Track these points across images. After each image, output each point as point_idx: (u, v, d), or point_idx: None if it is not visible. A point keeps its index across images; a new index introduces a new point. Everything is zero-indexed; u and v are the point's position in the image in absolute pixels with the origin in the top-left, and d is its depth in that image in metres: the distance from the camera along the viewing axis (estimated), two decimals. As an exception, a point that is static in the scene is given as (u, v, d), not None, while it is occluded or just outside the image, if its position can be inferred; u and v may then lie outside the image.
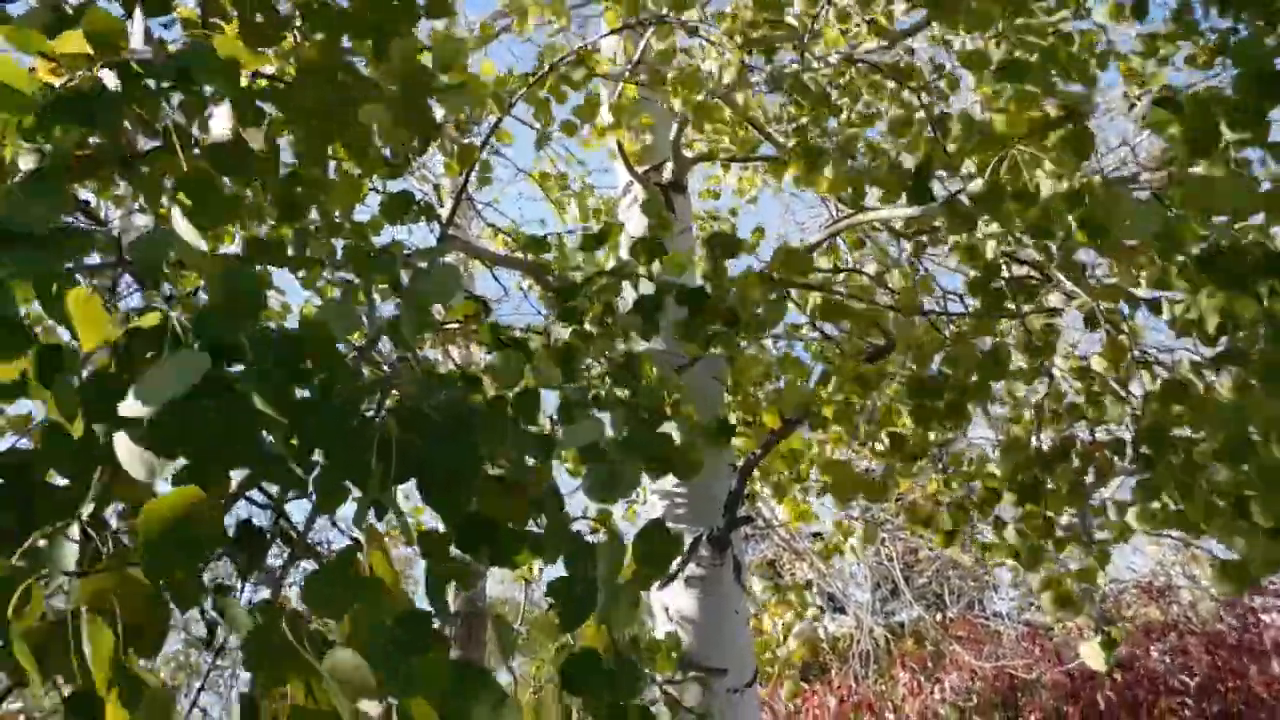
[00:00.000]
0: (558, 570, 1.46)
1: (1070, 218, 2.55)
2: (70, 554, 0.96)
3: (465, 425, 1.14)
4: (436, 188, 3.74)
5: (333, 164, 3.16)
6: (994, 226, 3.13)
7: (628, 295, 2.82)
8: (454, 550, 1.39)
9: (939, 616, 9.30)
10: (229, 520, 1.26)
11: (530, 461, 1.41)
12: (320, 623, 0.99)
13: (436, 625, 1.06)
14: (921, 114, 3.27)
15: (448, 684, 0.91)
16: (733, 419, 3.39)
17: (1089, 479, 3.43)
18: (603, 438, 1.27)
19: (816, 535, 8.21)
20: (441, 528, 1.49)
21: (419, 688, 0.89)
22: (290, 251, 2.21)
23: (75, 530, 1.00)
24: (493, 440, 1.13)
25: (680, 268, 3.09)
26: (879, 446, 3.27)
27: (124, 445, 0.97)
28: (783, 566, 8.77)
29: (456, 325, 2.68)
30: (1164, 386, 2.66)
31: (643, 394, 1.86)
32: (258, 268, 2.20)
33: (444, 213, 3.06)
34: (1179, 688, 6.53)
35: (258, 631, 0.94)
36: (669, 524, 2.58)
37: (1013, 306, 3.28)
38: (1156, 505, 2.83)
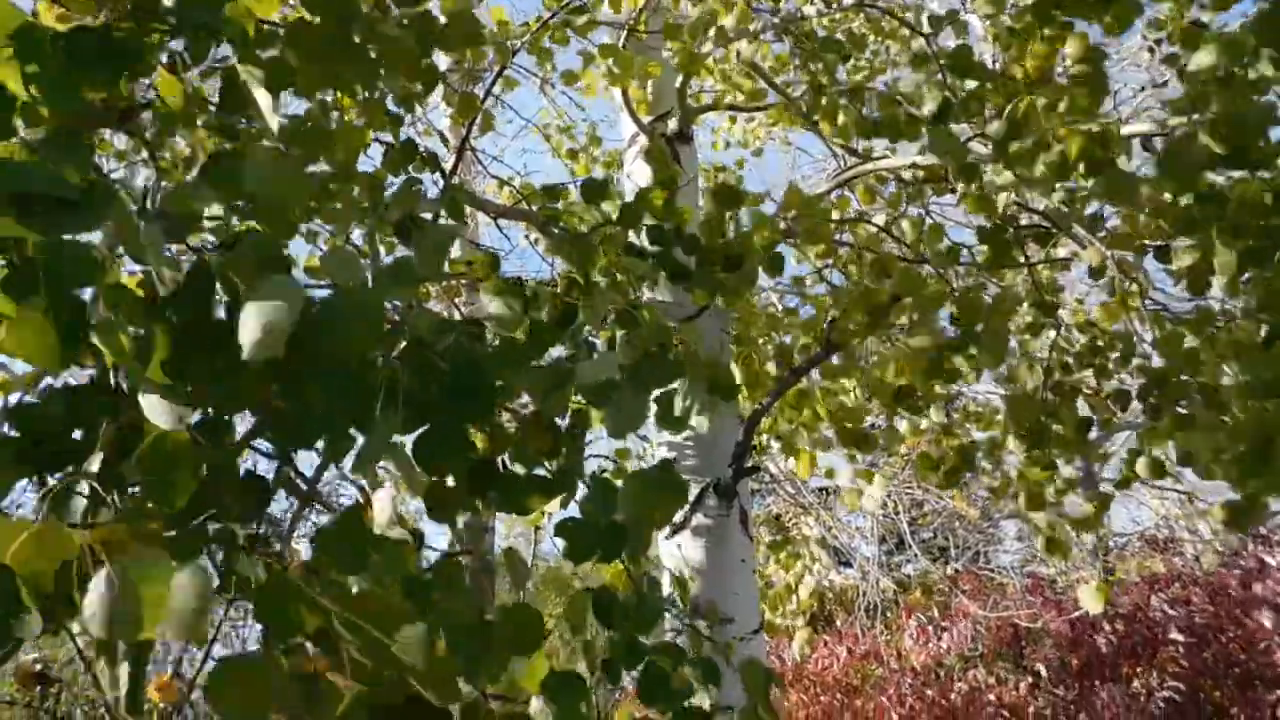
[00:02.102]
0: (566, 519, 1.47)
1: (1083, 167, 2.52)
2: (79, 507, 0.97)
3: (476, 366, 1.13)
4: (442, 137, 3.70)
5: (335, 114, 3.12)
6: (1005, 175, 3.10)
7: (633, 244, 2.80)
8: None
9: (945, 569, 9.38)
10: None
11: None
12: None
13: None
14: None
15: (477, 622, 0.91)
16: (737, 372, 3.39)
17: (1094, 427, 3.43)
18: (616, 371, 1.27)
19: (823, 490, 8.25)
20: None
21: (447, 627, 0.90)
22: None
23: (84, 484, 1.00)
24: (508, 375, 1.12)
25: (686, 218, 3.06)
26: (885, 398, 3.27)
27: (150, 397, 0.97)
28: (789, 521, 8.82)
29: (463, 278, 2.66)
30: (1168, 335, 2.64)
31: (647, 329, 1.86)
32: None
33: (448, 164, 3.03)
34: (1179, 637, 6.59)
35: (268, 584, 0.94)
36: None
37: (1022, 256, 3.25)
38: (1163, 451, 2.83)
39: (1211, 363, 2.79)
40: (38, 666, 3.94)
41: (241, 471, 1.17)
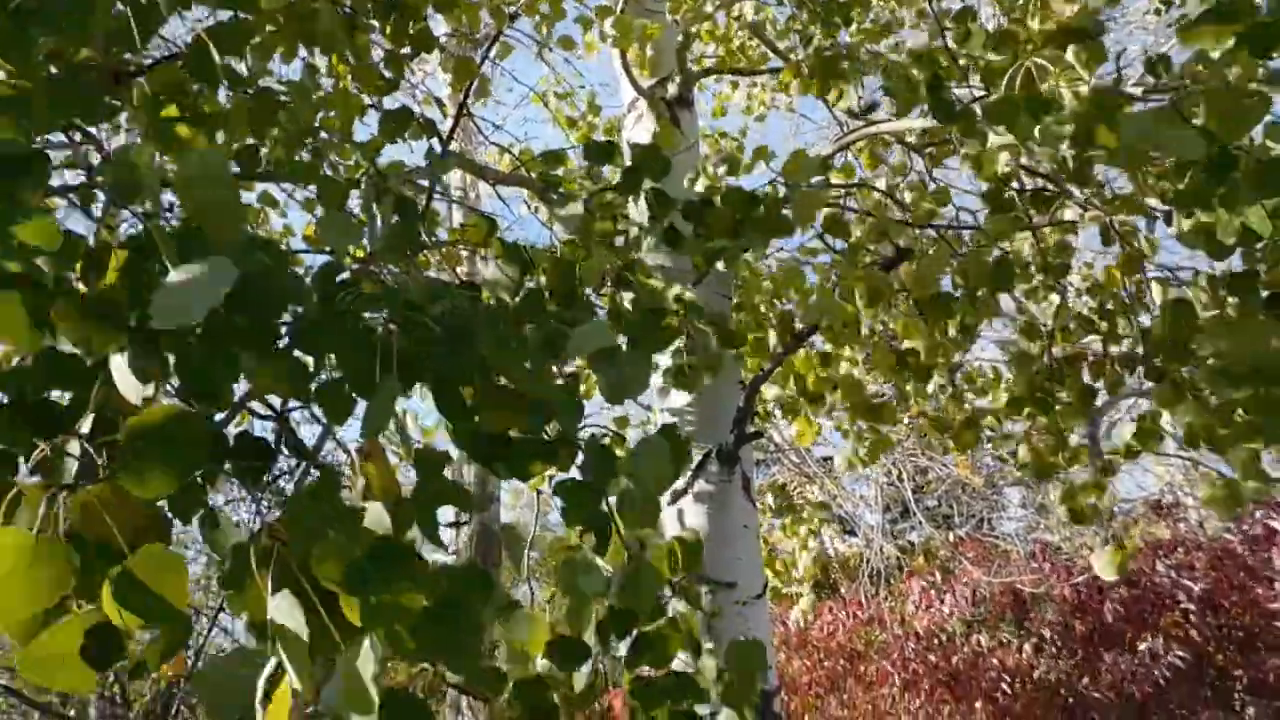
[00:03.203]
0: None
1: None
2: (69, 469, 0.96)
3: (468, 331, 1.12)
4: (439, 102, 3.66)
5: (330, 81, 3.09)
6: (1008, 138, 3.06)
7: (633, 211, 2.78)
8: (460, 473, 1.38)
9: (949, 536, 9.41)
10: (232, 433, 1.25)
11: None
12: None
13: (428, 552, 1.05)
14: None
15: (419, 619, 0.91)
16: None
17: (1099, 394, 3.42)
18: (610, 338, 1.25)
19: (827, 460, 8.26)
20: (452, 450, 1.47)
21: (387, 621, 0.89)
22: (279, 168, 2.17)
23: (75, 446, 0.99)
24: (496, 344, 1.11)
25: (691, 184, 3.04)
26: (888, 362, 3.25)
27: (118, 364, 0.96)
28: (794, 490, 8.84)
29: (460, 244, 2.65)
30: (1173, 305, 2.61)
31: (643, 292, 1.84)
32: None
33: (445, 129, 3.00)
34: (1183, 602, 6.62)
35: (234, 560, 0.93)
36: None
37: (1026, 219, 3.22)
38: (1166, 419, 2.81)
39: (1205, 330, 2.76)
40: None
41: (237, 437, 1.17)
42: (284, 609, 0.87)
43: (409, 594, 0.90)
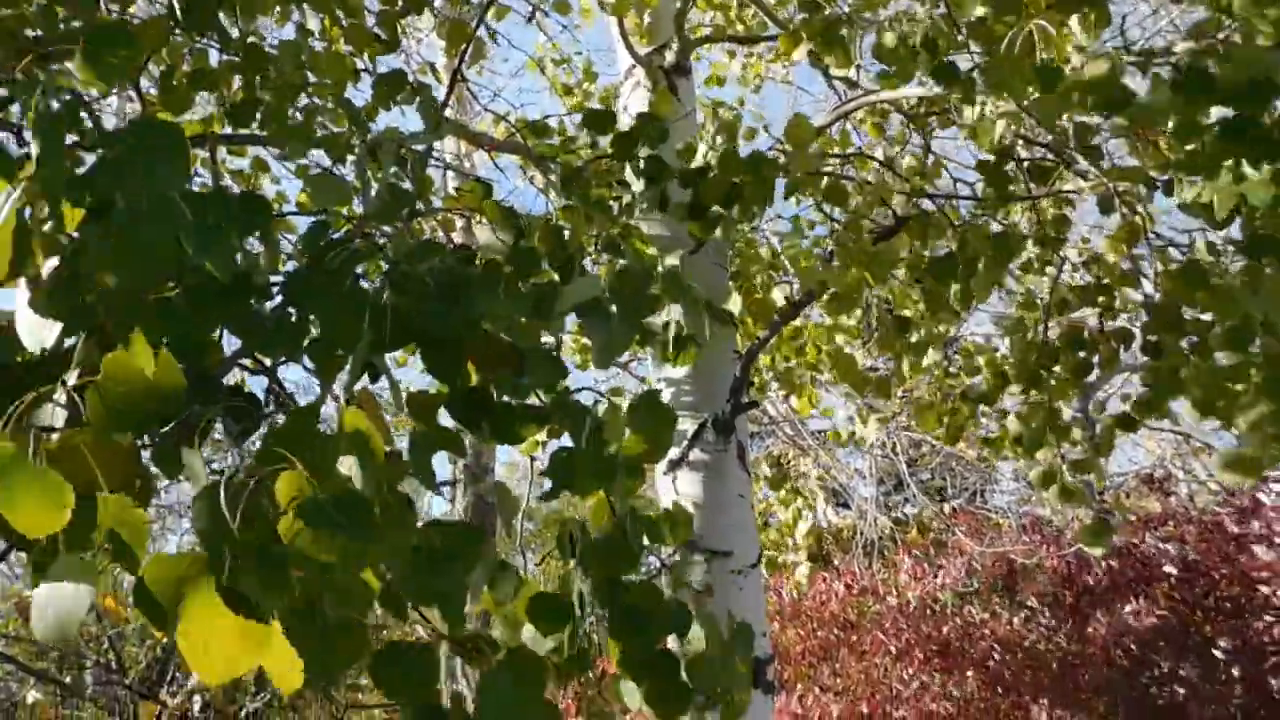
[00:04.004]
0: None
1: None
2: (52, 414, 0.94)
3: (459, 287, 1.10)
4: (433, 69, 3.61)
5: (323, 44, 3.04)
6: (1007, 105, 3.03)
7: (630, 178, 2.76)
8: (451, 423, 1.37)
9: (942, 509, 9.47)
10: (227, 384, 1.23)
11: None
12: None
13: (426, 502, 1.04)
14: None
15: (407, 533, 0.90)
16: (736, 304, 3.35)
17: (1094, 370, 3.41)
18: (601, 292, 1.24)
19: (822, 433, 8.28)
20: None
21: (350, 567, 0.88)
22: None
23: (61, 394, 0.98)
24: (488, 300, 1.10)
25: (690, 154, 3.00)
26: (884, 331, 3.24)
27: (22, 311, 0.95)
28: (788, 463, 8.86)
29: (456, 211, 2.62)
30: (1181, 268, 2.59)
31: (631, 257, 1.82)
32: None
33: (440, 94, 2.96)
34: (1172, 571, 6.68)
35: (204, 496, 0.91)
36: (676, 411, 2.58)
37: (1025, 190, 3.20)
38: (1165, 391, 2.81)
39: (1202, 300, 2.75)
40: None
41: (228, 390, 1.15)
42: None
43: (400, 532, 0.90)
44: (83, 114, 1.18)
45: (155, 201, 0.97)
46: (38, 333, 0.99)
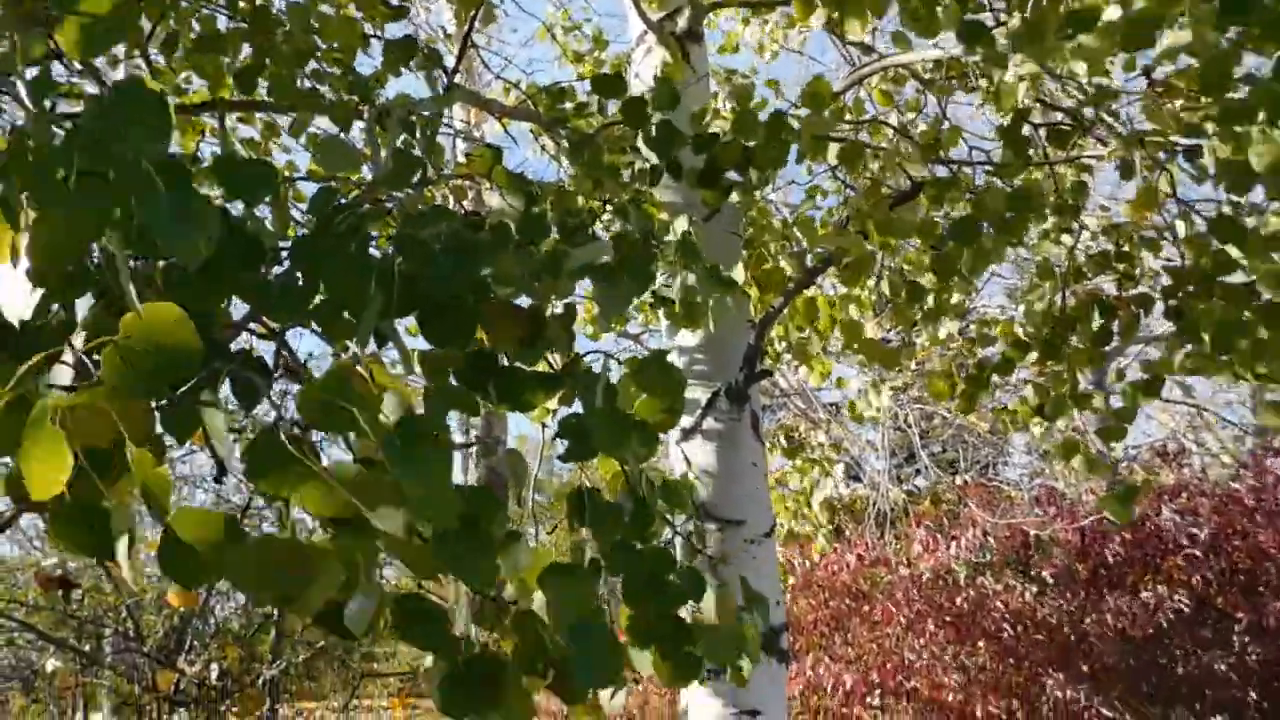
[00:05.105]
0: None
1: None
2: (62, 375, 0.93)
3: (468, 250, 1.08)
4: (445, 33, 3.57)
5: (332, 9, 3.00)
6: (1028, 67, 2.97)
7: (643, 145, 2.72)
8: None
9: (954, 481, 9.45)
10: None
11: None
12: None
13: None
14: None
15: (449, 475, 0.89)
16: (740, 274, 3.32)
17: (1113, 338, 3.37)
18: (609, 254, 1.22)
19: (834, 406, 8.25)
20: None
21: (428, 478, 0.87)
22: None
23: (69, 354, 0.96)
24: (497, 262, 1.07)
25: (703, 118, 2.96)
26: (899, 301, 3.20)
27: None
28: (800, 435, 8.82)
29: (465, 177, 2.59)
30: (1213, 221, 2.54)
31: (637, 220, 1.80)
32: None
33: (450, 62, 2.92)
34: (1188, 545, 6.64)
35: (258, 441, 0.91)
36: (689, 380, 2.56)
37: (1044, 155, 3.14)
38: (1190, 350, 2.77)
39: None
40: (57, 571, 4.02)
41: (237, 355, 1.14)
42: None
43: (438, 465, 0.89)
44: (73, 79, 1.15)
45: (122, 170, 0.93)
46: (15, 304, 0.96)
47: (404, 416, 0.92)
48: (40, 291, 0.96)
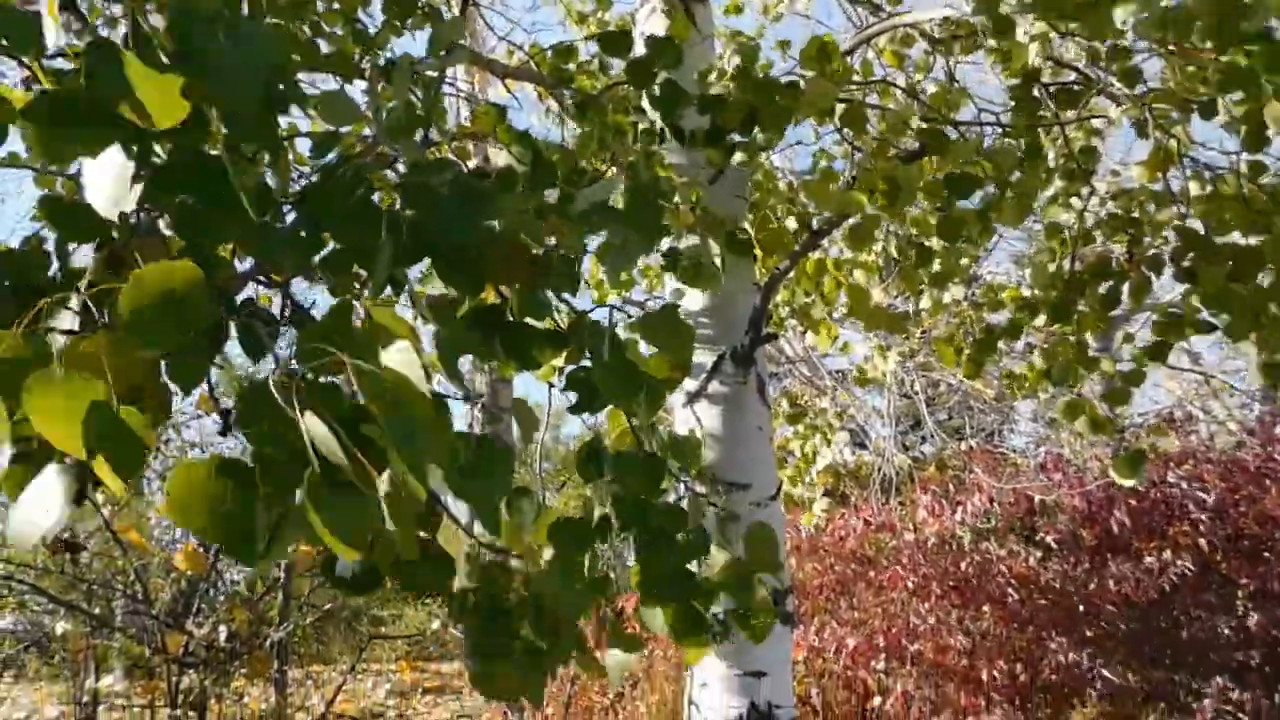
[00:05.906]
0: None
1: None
2: (68, 319, 0.92)
3: (475, 195, 1.07)
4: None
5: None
6: (1039, 26, 2.92)
7: (648, 106, 2.69)
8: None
9: (960, 447, 9.45)
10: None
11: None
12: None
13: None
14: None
15: (448, 431, 0.88)
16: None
17: (1121, 302, 3.35)
18: (617, 194, 1.20)
19: (840, 373, 8.24)
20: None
21: (420, 440, 0.86)
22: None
23: (75, 300, 0.96)
24: (504, 200, 1.06)
25: (708, 77, 2.92)
26: (905, 265, 3.18)
27: (94, 174, 0.91)
28: (805, 403, 8.82)
29: (471, 137, 2.57)
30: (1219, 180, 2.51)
31: (644, 173, 1.78)
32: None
33: (452, 16, 2.88)
34: (1194, 510, 6.64)
35: (248, 391, 0.90)
36: (695, 344, 2.55)
37: (1054, 116, 3.10)
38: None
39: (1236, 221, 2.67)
40: (64, 534, 4.05)
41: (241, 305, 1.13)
42: (319, 432, 0.85)
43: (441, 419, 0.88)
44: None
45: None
46: (111, 197, 0.96)
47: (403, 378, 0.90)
48: (139, 187, 0.96)
